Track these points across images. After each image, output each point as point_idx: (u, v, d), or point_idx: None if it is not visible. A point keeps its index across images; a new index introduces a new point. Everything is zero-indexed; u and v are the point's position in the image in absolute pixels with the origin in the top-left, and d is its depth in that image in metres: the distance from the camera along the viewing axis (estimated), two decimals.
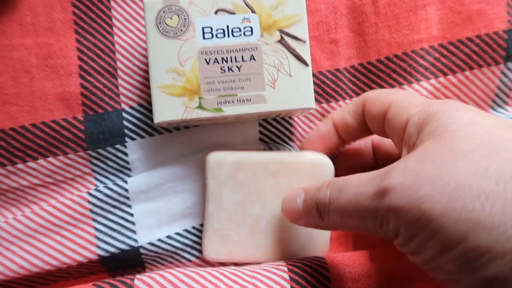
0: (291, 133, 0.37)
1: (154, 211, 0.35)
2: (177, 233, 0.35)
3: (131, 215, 0.35)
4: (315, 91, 0.37)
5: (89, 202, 0.34)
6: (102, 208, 0.34)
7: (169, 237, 0.35)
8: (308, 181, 0.33)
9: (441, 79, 0.37)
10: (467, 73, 0.37)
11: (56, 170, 0.34)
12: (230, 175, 0.33)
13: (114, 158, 0.35)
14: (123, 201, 0.35)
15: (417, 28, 0.36)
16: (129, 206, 0.35)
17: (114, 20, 0.35)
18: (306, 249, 0.34)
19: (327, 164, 0.33)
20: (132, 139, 0.35)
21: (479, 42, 0.37)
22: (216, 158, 0.33)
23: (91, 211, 0.34)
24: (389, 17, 0.36)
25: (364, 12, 0.36)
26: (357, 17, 0.36)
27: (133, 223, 0.35)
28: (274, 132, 0.37)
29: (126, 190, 0.35)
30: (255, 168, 0.33)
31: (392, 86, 0.37)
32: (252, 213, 0.33)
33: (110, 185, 0.35)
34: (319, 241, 0.34)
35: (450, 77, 0.38)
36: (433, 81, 0.37)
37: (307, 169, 0.33)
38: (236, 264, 0.34)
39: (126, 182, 0.35)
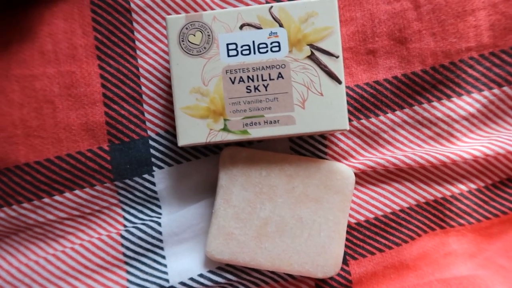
0: (325, 146, 0.34)
1: (186, 251, 0.34)
2: (210, 271, 0.33)
3: (163, 257, 0.34)
4: (353, 106, 0.34)
5: (122, 245, 0.33)
6: (135, 252, 0.33)
7: (201, 275, 0.33)
8: (325, 189, 0.31)
9: (495, 90, 0.34)
10: None
11: (83, 203, 0.33)
12: (243, 171, 0.32)
13: (141, 188, 0.34)
14: (156, 243, 0.34)
15: (466, 36, 0.33)
16: (162, 249, 0.34)
17: (137, 43, 0.34)
18: (316, 262, 0.31)
19: (347, 172, 0.31)
20: (160, 167, 0.34)
21: None
22: (230, 152, 0.32)
23: (124, 254, 0.33)
24: (434, 24, 0.33)
25: (405, 18, 0.33)
26: (398, 24, 0.33)
27: (165, 265, 0.34)
28: (305, 147, 0.34)
29: (160, 232, 0.33)
30: (270, 167, 0.32)
31: (440, 99, 0.34)
32: (261, 215, 0.31)
33: (143, 227, 0.33)
34: (331, 256, 0.31)
35: (506, 88, 0.34)
36: (486, 92, 0.34)
37: (324, 176, 0.31)
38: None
39: (159, 224, 0.33)
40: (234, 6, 0.34)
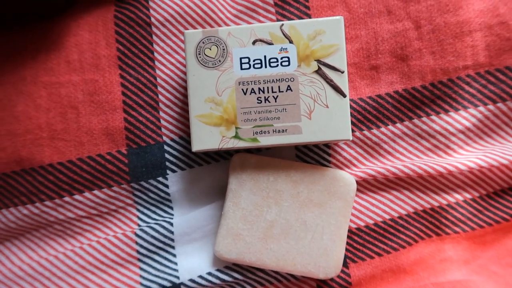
0: (329, 155, 0.36)
1: (196, 250, 0.36)
2: (218, 270, 0.35)
3: (174, 255, 0.36)
4: (356, 118, 0.36)
5: (137, 243, 0.35)
6: (148, 249, 0.35)
7: (209, 273, 0.35)
8: (328, 194, 0.33)
9: (490, 106, 0.36)
10: None
11: (100, 202, 0.35)
12: (252, 176, 0.34)
13: (155, 190, 0.36)
14: (168, 242, 0.35)
15: (463, 55, 0.35)
16: (173, 247, 0.36)
17: (156, 54, 0.36)
18: (318, 263, 0.33)
19: (349, 179, 0.33)
20: (173, 171, 0.36)
21: None
22: (240, 158, 0.34)
23: (138, 251, 0.35)
24: (434, 43, 0.35)
25: (407, 37, 0.35)
26: (400, 42, 0.35)
27: (175, 263, 0.36)
28: (310, 155, 0.36)
29: (172, 232, 0.35)
30: (277, 173, 0.34)
31: (438, 113, 0.36)
32: (267, 217, 0.33)
33: (157, 226, 0.35)
34: (332, 258, 0.33)
35: (500, 104, 0.36)
36: (481, 108, 0.36)
37: (328, 182, 0.33)
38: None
39: (171, 224, 0.35)
40: (248, 22, 0.36)
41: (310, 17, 0.36)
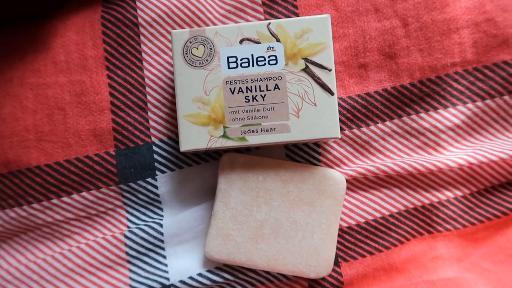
0: (319, 153, 0.36)
1: (186, 251, 0.36)
2: (209, 270, 0.35)
3: (164, 257, 0.35)
4: (345, 116, 0.36)
5: (126, 245, 0.35)
6: (138, 251, 0.35)
7: (200, 274, 0.35)
8: (318, 193, 0.33)
9: (479, 103, 0.36)
10: (506, 97, 0.36)
11: (89, 204, 0.35)
12: (241, 176, 0.33)
13: (144, 191, 0.36)
14: (158, 244, 0.35)
15: (451, 52, 0.35)
16: (163, 249, 0.35)
17: (143, 55, 0.36)
18: (309, 263, 0.33)
19: (339, 178, 0.33)
20: (162, 172, 0.35)
21: None
22: (229, 158, 0.34)
23: (127, 253, 0.35)
24: (421, 41, 0.35)
25: (395, 35, 0.35)
26: (388, 40, 0.35)
27: (165, 264, 0.35)
28: (300, 154, 0.36)
29: (161, 233, 0.35)
30: (266, 172, 0.33)
31: (427, 110, 0.36)
32: (257, 217, 0.33)
33: (146, 228, 0.35)
34: (323, 257, 0.33)
35: (488, 101, 0.36)
36: (470, 105, 0.36)
37: (318, 181, 0.33)
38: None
39: (161, 225, 0.35)
40: (236, 22, 0.36)
41: (298, 16, 0.36)
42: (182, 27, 0.36)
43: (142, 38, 0.36)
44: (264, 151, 0.36)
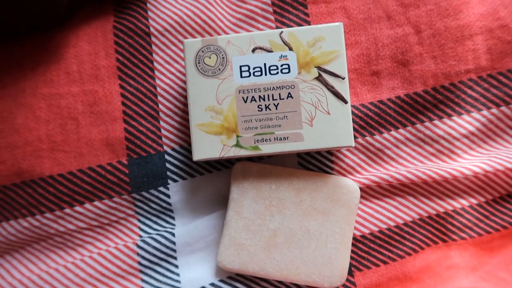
0: (331, 162, 0.36)
1: (198, 261, 0.35)
2: (221, 280, 0.35)
3: (176, 266, 0.35)
4: (358, 124, 0.35)
5: (138, 254, 0.35)
6: (150, 261, 0.35)
7: (212, 284, 0.34)
8: (331, 202, 0.33)
9: (494, 110, 0.35)
10: None
11: (101, 214, 0.35)
12: (254, 185, 0.33)
13: (157, 200, 0.35)
14: (170, 253, 0.35)
15: (465, 59, 0.35)
16: (175, 258, 0.35)
17: (155, 64, 0.36)
18: (322, 273, 0.33)
19: (353, 186, 0.33)
20: (174, 181, 0.35)
21: None
22: (242, 167, 0.34)
23: (139, 263, 0.35)
24: (434, 48, 0.35)
25: (407, 42, 0.35)
26: (400, 47, 0.35)
27: (177, 274, 0.35)
28: (313, 162, 0.36)
29: (174, 243, 0.35)
30: (279, 181, 0.33)
31: (441, 117, 0.35)
32: (270, 226, 0.33)
33: (158, 237, 0.35)
34: (337, 266, 0.33)
35: (503, 108, 0.35)
36: (485, 112, 0.35)
37: (331, 190, 0.33)
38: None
39: (173, 234, 0.35)
40: (247, 30, 0.36)
41: (309, 24, 0.36)
42: (193, 36, 0.36)
43: (153, 47, 0.36)
44: (276, 159, 0.36)
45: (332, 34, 0.31)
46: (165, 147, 0.35)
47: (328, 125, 0.31)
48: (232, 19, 0.36)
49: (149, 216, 0.36)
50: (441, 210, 0.35)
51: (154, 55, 0.36)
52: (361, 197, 0.36)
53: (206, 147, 0.31)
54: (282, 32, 0.31)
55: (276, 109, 0.31)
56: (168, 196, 0.35)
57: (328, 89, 0.31)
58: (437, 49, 0.35)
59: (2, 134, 0.34)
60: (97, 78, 0.35)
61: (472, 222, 0.36)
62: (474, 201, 0.36)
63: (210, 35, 0.36)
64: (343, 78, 0.31)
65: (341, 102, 0.31)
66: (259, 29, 0.36)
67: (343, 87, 0.31)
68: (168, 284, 0.35)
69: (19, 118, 0.34)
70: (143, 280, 0.35)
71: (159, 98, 0.36)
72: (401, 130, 0.36)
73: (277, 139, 0.31)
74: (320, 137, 0.31)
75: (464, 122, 0.35)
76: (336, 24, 0.31)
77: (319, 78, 0.31)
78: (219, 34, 0.36)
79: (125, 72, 0.35)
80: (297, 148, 0.31)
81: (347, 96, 0.31)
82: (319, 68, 0.31)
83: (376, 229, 0.35)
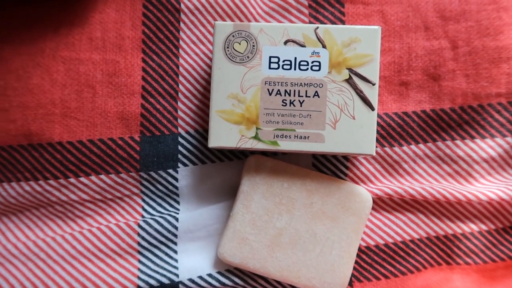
0: (346, 167, 0.35)
1: (198, 249, 0.35)
2: (219, 272, 0.34)
3: (176, 252, 0.34)
4: (379, 133, 0.35)
5: (139, 234, 0.34)
6: (150, 243, 0.34)
7: (210, 275, 0.34)
8: (342, 209, 0.32)
9: None
10: None
11: (106, 188, 0.34)
12: (266, 180, 0.32)
13: (164, 182, 0.34)
14: (171, 238, 0.34)
15: (497, 82, 0.34)
16: (175, 243, 0.34)
17: (181, 42, 0.35)
18: (323, 279, 0.32)
19: (366, 196, 0.32)
20: (185, 165, 0.34)
21: None
22: (256, 160, 0.33)
23: (139, 243, 0.34)
24: (469, 66, 0.34)
25: (442, 56, 0.34)
26: (434, 61, 0.34)
27: (176, 260, 0.34)
28: (327, 165, 0.35)
29: (176, 227, 0.34)
30: (292, 180, 0.32)
31: (463, 138, 0.34)
32: (277, 225, 0.32)
33: (161, 220, 0.34)
34: (339, 274, 0.32)
35: None
36: (509, 138, 0.34)
37: (344, 196, 0.32)
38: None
39: (176, 219, 0.34)
40: (278, 21, 0.35)
41: (344, 24, 0.35)
42: (223, 19, 0.35)
43: (182, 25, 0.35)
44: (290, 157, 0.35)
45: (369, 37, 0.30)
46: (180, 129, 0.34)
47: (351, 130, 0.30)
48: (265, 7, 0.35)
49: (154, 197, 0.35)
50: (450, 232, 0.35)
51: (181, 33, 0.35)
52: (371, 207, 0.35)
53: (223, 135, 0.30)
54: (318, 27, 0.30)
55: (301, 106, 0.30)
56: (176, 179, 0.34)
57: (357, 93, 0.30)
58: (471, 68, 0.34)
59: (16, 92, 0.33)
60: (120, 48, 0.34)
61: (479, 248, 0.35)
62: (484, 227, 0.35)
63: (240, 20, 0.35)
64: (374, 84, 0.30)
65: (367, 108, 0.30)
66: (291, 21, 0.35)
67: (372, 93, 0.30)
68: (165, 269, 0.34)
69: (34, 78, 0.33)
70: (140, 261, 0.34)
71: (180, 78, 0.35)
72: (421, 145, 0.35)
73: (297, 137, 0.30)
74: (342, 141, 0.30)
75: (487, 146, 0.35)
76: (375, 27, 0.30)
77: (349, 81, 0.30)
78: (249, 20, 0.35)
79: (149, 46, 0.34)
80: (316, 149, 0.30)
81: (375, 103, 0.30)
82: (350, 70, 0.30)
83: (382, 242, 0.35)
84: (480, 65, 0.34)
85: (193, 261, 0.34)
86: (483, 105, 0.34)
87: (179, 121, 0.34)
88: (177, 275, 0.34)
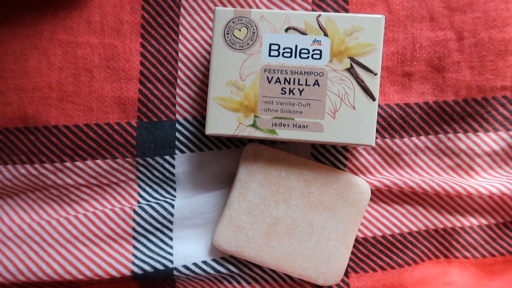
0: (345, 158, 0.34)
1: (193, 237, 0.34)
2: (214, 260, 0.34)
3: (171, 238, 0.34)
4: (380, 124, 0.34)
5: (134, 220, 0.33)
6: (145, 229, 0.34)
7: (205, 262, 0.33)
8: (340, 199, 0.32)
9: None
10: None
11: (102, 173, 0.34)
12: (263, 169, 0.32)
13: (161, 168, 0.34)
14: (166, 224, 0.34)
15: (503, 75, 0.33)
16: (171, 230, 0.34)
17: (181, 28, 0.34)
18: (319, 269, 0.32)
19: (364, 187, 0.32)
20: (182, 151, 0.34)
21: None
22: (254, 148, 0.33)
23: (134, 229, 0.34)
24: (474, 58, 0.33)
25: (447, 47, 0.33)
26: (438, 52, 0.33)
27: (171, 246, 0.34)
28: (326, 156, 0.35)
29: (172, 214, 0.34)
30: (290, 169, 0.32)
31: (466, 131, 0.34)
32: (273, 214, 0.32)
33: (157, 206, 0.34)
34: (335, 265, 0.32)
35: None
36: None
37: (342, 187, 0.32)
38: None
39: (172, 206, 0.34)
40: (280, 7, 0.35)
41: (347, 12, 0.34)
42: (223, 4, 0.34)
43: (182, 10, 0.34)
44: (289, 146, 0.35)
45: (372, 26, 0.29)
46: (178, 116, 0.34)
47: (351, 120, 0.29)
48: None
49: (150, 183, 0.35)
50: (449, 225, 0.34)
51: (181, 18, 0.34)
52: (370, 199, 0.34)
53: (221, 123, 0.30)
54: (320, 15, 0.29)
55: (300, 95, 0.29)
56: (173, 166, 0.34)
57: (358, 82, 0.29)
58: (477, 60, 0.33)
59: (12, 75, 0.33)
60: (119, 32, 0.34)
61: (478, 242, 0.35)
62: (484, 221, 0.35)
63: (241, 6, 0.34)
64: (375, 74, 0.29)
65: (368, 99, 0.29)
66: (293, 8, 0.34)
67: (374, 83, 0.29)
68: (159, 255, 0.34)
69: (31, 60, 0.33)
70: (135, 247, 0.34)
71: (179, 64, 0.34)
72: (422, 138, 0.34)
73: (296, 126, 0.30)
74: (341, 131, 0.29)
75: (489, 140, 0.34)
76: (378, 16, 0.29)
77: (350, 70, 0.29)
78: (250, 6, 0.34)
79: (148, 31, 0.34)
80: (315, 139, 0.29)
81: (376, 93, 0.29)
82: (352, 59, 0.29)
83: (379, 233, 0.34)
84: (485, 57, 0.33)
85: (188, 248, 0.34)
86: (487, 98, 0.33)
87: (177, 107, 0.34)
88: (171, 261, 0.33)
